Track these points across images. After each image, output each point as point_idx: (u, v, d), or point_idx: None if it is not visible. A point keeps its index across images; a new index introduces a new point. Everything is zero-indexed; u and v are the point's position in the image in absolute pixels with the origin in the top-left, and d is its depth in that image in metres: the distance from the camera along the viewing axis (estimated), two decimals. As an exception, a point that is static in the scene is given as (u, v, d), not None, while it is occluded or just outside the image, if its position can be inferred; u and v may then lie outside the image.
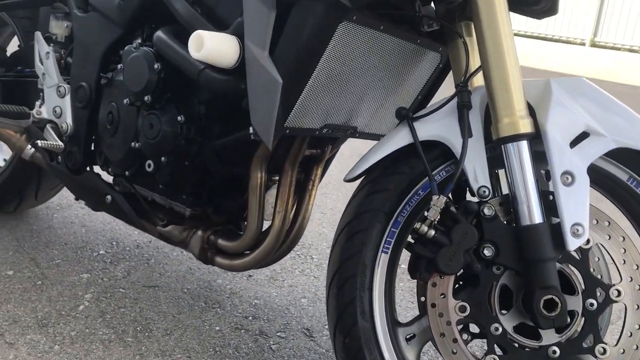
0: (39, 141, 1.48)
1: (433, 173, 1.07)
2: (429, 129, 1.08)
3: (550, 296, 0.98)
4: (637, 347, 1.01)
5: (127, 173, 1.43)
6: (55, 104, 1.54)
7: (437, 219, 1.02)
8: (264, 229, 1.37)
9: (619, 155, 1.01)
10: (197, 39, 1.09)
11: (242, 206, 1.46)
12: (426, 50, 1.28)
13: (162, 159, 1.30)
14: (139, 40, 1.39)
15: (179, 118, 1.27)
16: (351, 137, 1.33)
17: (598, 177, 1.02)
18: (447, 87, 1.25)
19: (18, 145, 1.68)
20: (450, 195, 1.05)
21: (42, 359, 1.34)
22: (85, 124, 1.50)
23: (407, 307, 1.75)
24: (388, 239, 1.09)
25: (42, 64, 1.57)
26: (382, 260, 1.10)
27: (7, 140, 1.72)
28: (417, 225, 1.02)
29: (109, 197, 1.49)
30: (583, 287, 1.02)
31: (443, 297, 1.05)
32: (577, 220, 0.97)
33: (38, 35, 1.60)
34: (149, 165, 1.36)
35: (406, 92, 1.36)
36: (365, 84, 1.23)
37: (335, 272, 1.11)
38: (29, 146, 1.66)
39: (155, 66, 1.27)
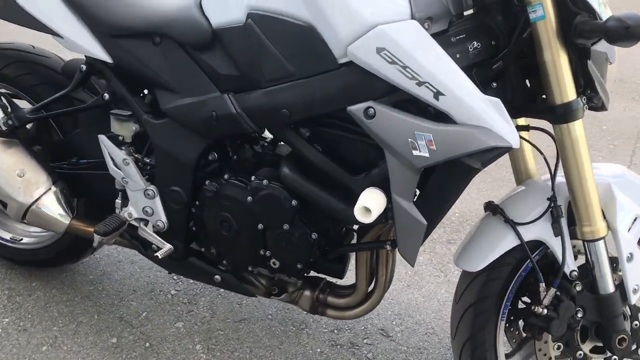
0: (157, 253, 1.62)
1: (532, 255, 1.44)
2: (530, 231, 1.42)
3: (622, 335, 1.44)
4: None
5: (250, 269, 1.64)
6: (145, 204, 1.66)
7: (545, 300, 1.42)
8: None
9: None
10: (365, 211, 1.30)
11: (340, 259, 1.73)
12: None
13: (297, 265, 1.54)
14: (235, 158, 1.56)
15: (313, 236, 1.49)
16: None
17: None
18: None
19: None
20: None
21: None
22: (184, 222, 1.65)
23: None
24: (503, 312, 1.49)
25: (118, 168, 1.64)
26: (500, 327, 1.50)
27: (80, 232, 1.79)
28: (534, 308, 1.41)
29: (217, 277, 1.70)
30: (630, 314, 1.50)
31: (545, 342, 1.49)
32: (637, 282, 1.42)
33: (103, 139, 1.64)
34: (274, 263, 1.58)
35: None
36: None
37: (465, 342, 1.51)
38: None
39: (293, 203, 1.45)
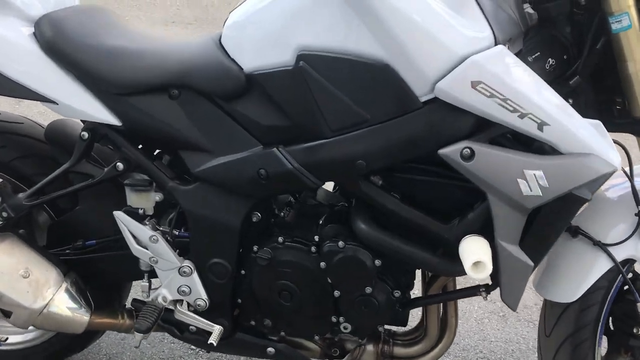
0: (210, 340, 1.38)
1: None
2: (621, 251, 1.33)
3: None
4: None
5: (315, 338, 1.44)
6: (181, 284, 1.41)
7: None
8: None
9: None
10: (481, 266, 1.15)
11: None
12: None
13: (376, 327, 1.36)
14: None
15: (395, 294, 1.32)
16: None
17: None
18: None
19: (125, 327, 1.50)
20: None
21: None
22: (230, 297, 1.43)
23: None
24: (600, 338, 1.39)
25: (144, 247, 1.38)
26: (598, 354, 1.40)
27: (103, 327, 1.52)
28: (636, 330, 1.33)
29: (271, 349, 1.49)
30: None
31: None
32: None
33: (121, 216, 1.37)
34: (345, 328, 1.40)
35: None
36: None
37: None
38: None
39: (377, 263, 1.27)
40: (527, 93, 1.10)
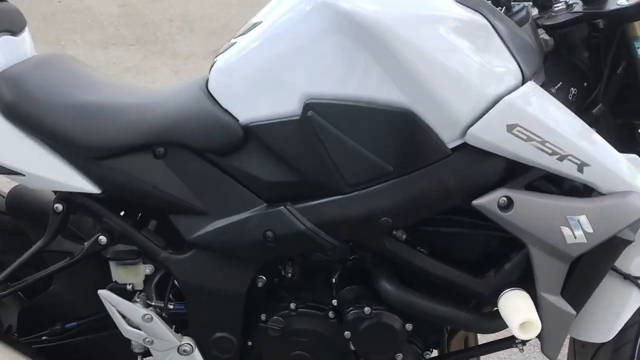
0: None
1: None
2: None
3: None
4: None
5: None
6: (181, 363, 1.25)
7: None
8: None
9: None
10: (528, 325, 1.04)
11: None
12: None
13: None
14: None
15: (426, 356, 1.20)
16: None
17: None
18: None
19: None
20: None
21: None
22: (236, 370, 1.27)
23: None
24: None
25: (137, 327, 1.21)
26: None
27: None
28: None
29: None
30: None
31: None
32: None
33: (107, 295, 1.20)
34: None
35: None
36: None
37: None
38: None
39: (408, 327, 1.14)
40: (565, 133, 1.01)
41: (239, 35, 1.16)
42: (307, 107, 1.05)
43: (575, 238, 1.04)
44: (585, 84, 1.19)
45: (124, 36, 4.99)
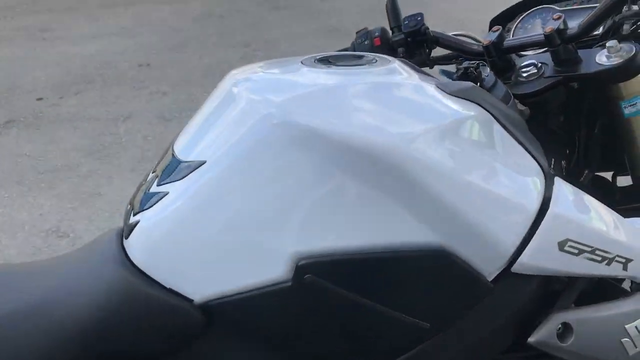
0: None
1: None
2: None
3: None
4: None
5: None
6: None
7: None
8: None
9: None
10: None
11: None
12: None
13: None
14: None
15: None
16: None
17: None
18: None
19: None
20: None
21: None
22: None
23: None
24: None
25: None
26: None
27: None
28: None
29: None
30: None
31: None
32: None
33: None
34: None
35: None
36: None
37: None
38: None
39: None
40: (609, 234, 0.86)
41: (168, 178, 0.80)
42: (301, 269, 0.75)
43: (636, 348, 0.89)
44: (567, 151, 1.06)
45: None
